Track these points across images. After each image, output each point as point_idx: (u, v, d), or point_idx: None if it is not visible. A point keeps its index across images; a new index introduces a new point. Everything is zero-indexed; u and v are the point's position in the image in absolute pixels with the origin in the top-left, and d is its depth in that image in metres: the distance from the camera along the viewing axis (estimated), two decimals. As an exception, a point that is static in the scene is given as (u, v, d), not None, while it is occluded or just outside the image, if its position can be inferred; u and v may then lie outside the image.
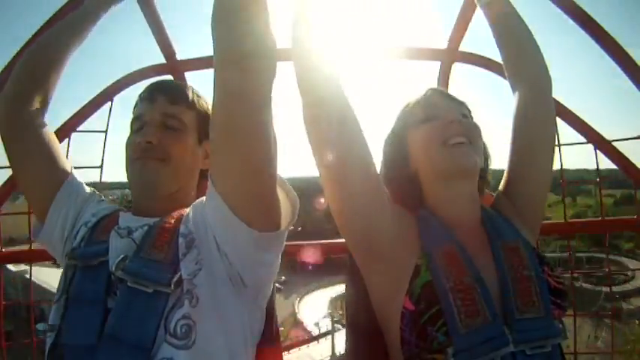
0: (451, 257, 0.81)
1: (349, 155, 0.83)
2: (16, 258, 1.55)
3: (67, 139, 1.50)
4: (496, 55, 1.57)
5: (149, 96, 0.93)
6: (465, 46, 1.61)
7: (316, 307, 28.56)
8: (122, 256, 0.79)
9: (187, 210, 0.87)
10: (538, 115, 0.97)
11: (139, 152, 0.89)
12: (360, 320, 0.95)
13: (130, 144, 0.92)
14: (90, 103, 1.55)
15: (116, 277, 0.77)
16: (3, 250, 1.48)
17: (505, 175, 1.00)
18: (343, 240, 0.89)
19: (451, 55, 1.62)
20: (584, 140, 1.53)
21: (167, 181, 0.90)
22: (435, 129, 0.90)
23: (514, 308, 0.77)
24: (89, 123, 1.55)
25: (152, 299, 0.73)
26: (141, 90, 0.98)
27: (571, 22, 1.30)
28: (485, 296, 0.77)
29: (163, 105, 0.92)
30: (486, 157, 1.00)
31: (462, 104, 0.96)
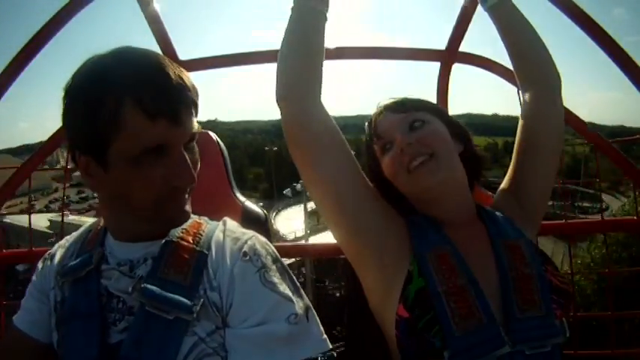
0: (443, 260, 0.81)
1: (332, 158, 0.87)
2: (16, 258, 1.55)
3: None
4: (495, 56, 1.58)
5: (171, 113, 0.65)
6: (465, 47, 1.61)
7: (292, 219, 29.78)
8: (138, 276, 0.72)
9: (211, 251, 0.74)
10: (547, 114, 0.96)
11: (178, 193, 0.71)
12: (359, 322, 0.95)
13: (160, 184, 0.67)
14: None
15: (109, 292, 0.72)
16: (3, 250, 1.48)
17: (510, 172, 1.00)
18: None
19: (451, 56, 1.62)
20: (584, 141, 1.53)
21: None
22: (393, 161, 0.90)
23: (514, 306, 0.77)
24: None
25: (172, 326, 0.67)
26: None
27: (569, 22, 1.30)
28: (479, 298, 0.76)
29: (189, 124, 0.69)
30: (462, 138, 0.98)
31: (409, 112, 0.93)
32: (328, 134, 0.88)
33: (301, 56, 0.89)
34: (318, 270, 13.50)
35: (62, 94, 0.68)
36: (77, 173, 0.79)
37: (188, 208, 0.74)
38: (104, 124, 0.63)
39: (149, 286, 0.68)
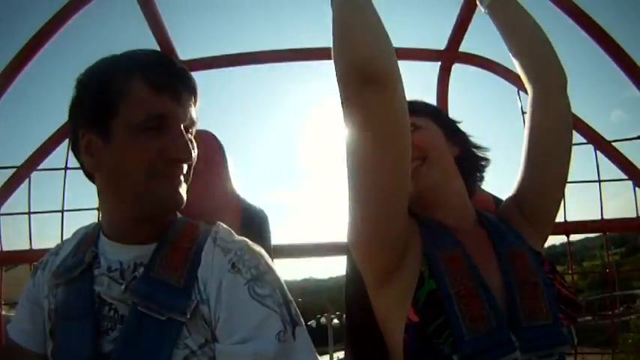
0: (455, 262, 0.79)
1: (396, 147, 0.74)
2: (16, 258, 1.55)
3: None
4: (495, 56, 1.58)
5: (174, 90, 0.71)
6: (465, 47, 1.61)
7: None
8: (133, 275, 0.71)
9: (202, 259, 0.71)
10: (557, 111, 0.93)
11: (172, 169, 0.71)
12: (359, 325, 0.94)
13: (155, 156, 0.68)
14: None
15: (101, 296, 0.71)
16: (3, 250, 1.48)
17: (518, 180, 0.97)
18: (342, 240, 0.89)
19: (451, 56, 1.62)
20: (584, 141, 1.53)
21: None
22: None
23: (520, 314, 0.75)
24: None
25: (165, 328, 0.65)
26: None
27: (570, 22, 1.31)
28: (489, 301, 0.75)
29: (189, 107, 0.73)
30: (459, 141, 0.96)
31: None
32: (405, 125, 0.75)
33: (366, 24, 0.74)
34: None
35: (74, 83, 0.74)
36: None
37: (183, 192, 0.72)
38: (113, 93, 0.68)
39: (142, 284, 0.68)
